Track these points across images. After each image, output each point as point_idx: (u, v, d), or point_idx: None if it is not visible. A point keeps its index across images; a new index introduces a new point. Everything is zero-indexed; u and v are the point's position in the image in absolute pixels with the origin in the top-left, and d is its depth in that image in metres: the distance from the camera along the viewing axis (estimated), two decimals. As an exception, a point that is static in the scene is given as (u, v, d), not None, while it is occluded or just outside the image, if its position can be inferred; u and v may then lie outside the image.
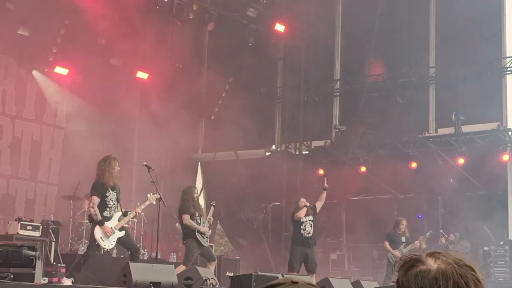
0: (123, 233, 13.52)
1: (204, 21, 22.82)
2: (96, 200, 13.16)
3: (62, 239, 17.25)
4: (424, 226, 22.05)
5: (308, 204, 17.03)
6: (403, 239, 18.66)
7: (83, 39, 20.81)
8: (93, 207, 13.13)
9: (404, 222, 18.85)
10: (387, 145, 22.68)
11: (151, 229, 19.54)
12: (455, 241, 20.52)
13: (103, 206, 13.24)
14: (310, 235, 17.01)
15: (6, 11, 19.77)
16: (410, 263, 2.44)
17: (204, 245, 15.09)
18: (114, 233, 13.29)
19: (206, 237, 15.26)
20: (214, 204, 16.31)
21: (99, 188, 13.25)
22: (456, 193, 21.51)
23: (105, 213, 13.21)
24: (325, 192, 17.48)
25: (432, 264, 2.39)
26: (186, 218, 15.04)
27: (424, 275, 2.38)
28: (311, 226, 17.06)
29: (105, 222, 13.15)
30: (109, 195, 13.27)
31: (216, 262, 15.70)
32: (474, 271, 2.40)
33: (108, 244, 13.36)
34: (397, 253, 18.43)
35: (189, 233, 15.09)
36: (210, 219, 15.61)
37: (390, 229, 18.91)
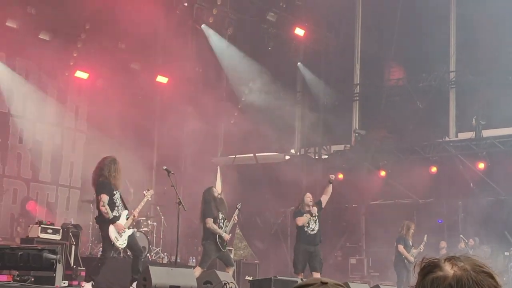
0: (131, 231, 13.51)
1: (224, 25, 22.87)
2: (105, 198, 12.98)
3: (82, 243, 17.33)
4: (444, 230, 22.01)
5: (311, 211, 15.94)
6: (410, 242, 18.74)
7: (103, 44, 20.91)
8: (104, 206, 12.98)
9: (414, 227, 18.90)
10: (407, 150, 22.63)
11: (171, 233, 19.61)
12: (475, 246, 20.45)
13: (111, 205, 13.09)
14: (314, 232, 16.00)
15: (27, 15, 19.91)
16: (428, 268, 2.43)
17: (223, 249, 15.06)
18: (125, 231, 13.27)
19: (226, 241, 15.25)
20: (239, 207, 16.18)
21: (107, 187, 13.17)
22: (476, 197, 21.44)
23: (114, 213, 13.13)
24: (331, 185, 16.31)
25: (449, 270, 2.38)
26: (210, 222, 15.00)
27: (439, 282, 2.37)
28: (315, 223, 16.03)
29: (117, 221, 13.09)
30: (116, 194, 13.21)
31: (234, 267, 15.61)
32: (492, 277, 2.38)
33: (122, 243, 13.21)
34: (411, 258, 18.40)
35: (209, 235, 15.07)
36: (235, 217, 15.59)
37: (400, 232, 18.88)
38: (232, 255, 19.92)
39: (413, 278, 2.51)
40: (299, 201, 16.51)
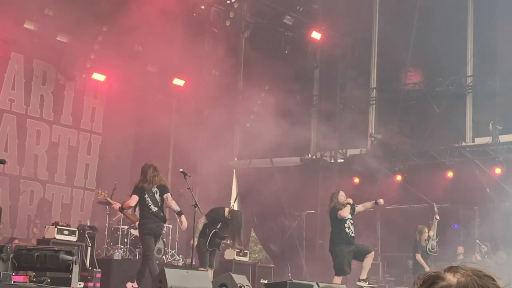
0: None
1: (241, 28, 22.88)
2: None
3: (98, 244, 17.37)
4: (459, 236, 21.92)
5: (351, 202, 15.76)
6: (428, 245, 18.70)
7: (120, 46, 20.95)
8: None
9: (427, 230, 18.84)
10: (423, 154, 22.55)
11: (186, 236, 19.65)
12: (488, 252, 20.37)
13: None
14: (354, 234, 15.75)
15: (45, 17, 19.99)
16: (429, 281, 2.44)
17: (208, 247, 15.25)
18: None
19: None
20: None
21: None
22: (492, 203, 21.34)
23: None
24: (373, 205, 16.35)
25: (451, 278, 2.39)
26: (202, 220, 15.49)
27: None
28: (352, 225, 15.76)
29: None
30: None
31: (212, 270, 15.66)
32: (494, 280, 2.40)
33: None
34: (428, 268, 18.35)
35: (204, 233, 15.34)
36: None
37: (415, 239, 18.83)
38: (247, 258, 19.99)
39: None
40: (332, 199, 16.12)
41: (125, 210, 14.66)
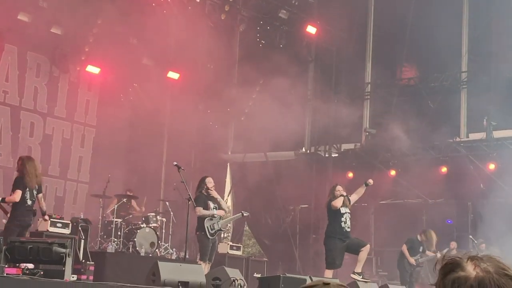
0: None
1: (236, 22, 22.84)
2: None
3: (91, 237, 17.33)
4: (453, 231, 21.95)
5: (344, 194, 15.73)
6: (421, 248, 18.65)
7: (115, 39, 20.88)
8: None
9: (433, 235, 18.73)
10: (417, 149, 22.56)
11: (180, 229, 19.64)
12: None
13: None
14: (350, 229, 15.75)
15: (39, 9, 19.90)
16: (449, 267, 2.40)
17: (210, 236, 15.10)
18: None
19: (216, 231, 15.26)
20: (244, 215, 16.46)
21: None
22: (486, 198, 21.36)
23: None
24: (365, 188, 16.01)
25: (471, 271, 2.35)
26: (199, 210, 15.09)
27: (460, 283, 2.34)
28: (349, 220, 15.77)
29: None
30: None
31: (211, 264, 15.57)
32: None
33: None
34: (412, 260, 18.37)
35: (202, 226, 15.14)
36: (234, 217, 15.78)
37: (417, 237, 18.84)
38: (240, 252, 19.98)
39: (432, 278, 2.48)
40: (329, 194, 16.17)
41: (6, 203, 14.64)
